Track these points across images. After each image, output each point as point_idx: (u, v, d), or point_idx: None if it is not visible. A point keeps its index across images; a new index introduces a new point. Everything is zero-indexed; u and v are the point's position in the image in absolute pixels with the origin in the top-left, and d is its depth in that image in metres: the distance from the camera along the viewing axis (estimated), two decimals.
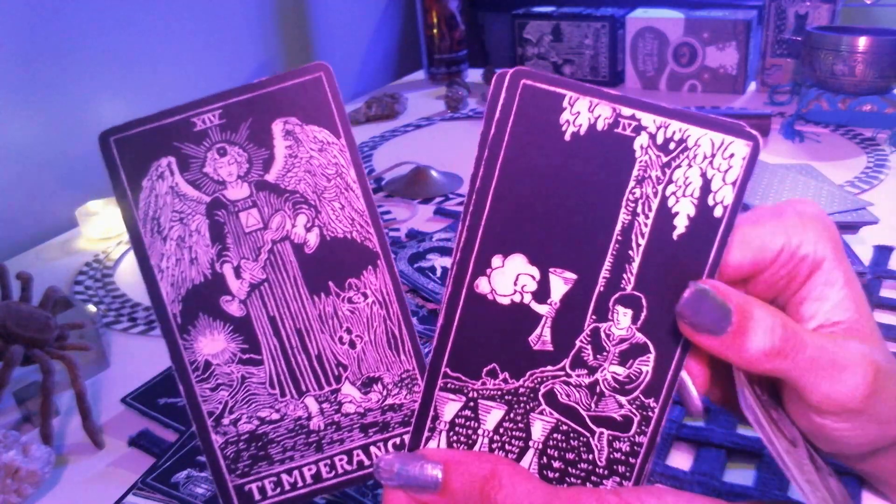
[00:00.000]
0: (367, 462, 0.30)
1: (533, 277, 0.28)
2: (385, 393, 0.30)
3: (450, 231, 0.81)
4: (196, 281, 0.29)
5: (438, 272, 0.72)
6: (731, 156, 0.27)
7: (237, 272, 0.30)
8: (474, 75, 1.42)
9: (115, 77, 0.98)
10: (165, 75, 1.04)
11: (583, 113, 0.27)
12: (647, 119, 0.27)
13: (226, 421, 0.30)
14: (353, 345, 0.30)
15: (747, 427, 0.51)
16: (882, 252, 0.73)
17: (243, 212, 0.30)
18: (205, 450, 0.30)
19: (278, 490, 0.30)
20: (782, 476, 0.46)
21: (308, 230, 0.30)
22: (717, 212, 0.27)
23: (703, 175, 0.27)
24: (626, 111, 0.27)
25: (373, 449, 0.30)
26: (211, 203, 0.30)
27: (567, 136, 0.27)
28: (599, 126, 0.27)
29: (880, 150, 0.98)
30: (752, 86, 1.25)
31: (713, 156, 0.27)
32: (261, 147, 0.29)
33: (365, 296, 0.30)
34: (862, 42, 0.97)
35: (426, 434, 0.29)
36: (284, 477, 0.30)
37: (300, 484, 0.30)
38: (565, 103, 0.27)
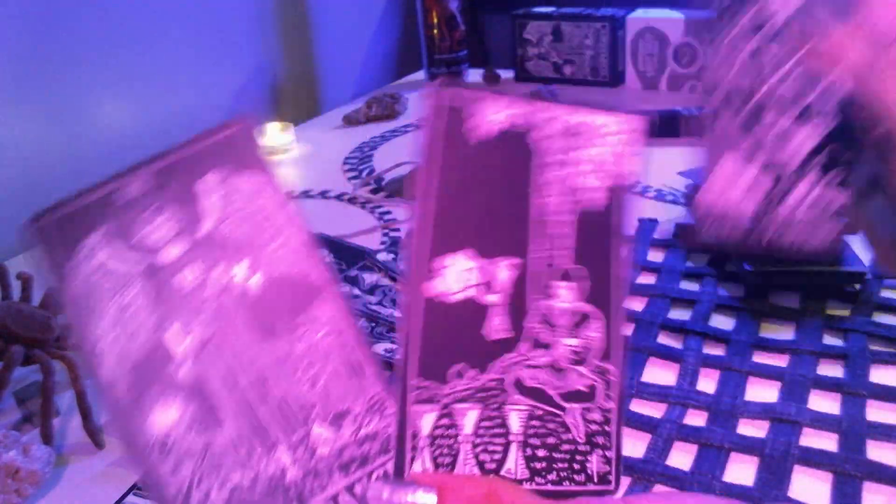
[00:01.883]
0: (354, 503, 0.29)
1: (478, 270, 0.30)
2: (357, 424, 0.29)
3: None
4: (140, 353, 0.28)
5: None
6: (624, 132, 0.31)
7: (181, 335, 0.28)
8: (474, 76, 1.42)
9: (115, 77, 0.98)
10: (166, 75, 1.04)
11: (481, 120, 0.30)
12: (538, 115, 0.30)
13: (195, 498, 0.27)
14: (314, 382, 0.29)
15: (748, 427, 0.51)
16: None
17: (179, 272, 0.28)
18: None
19: None
20: (782, 476, 0.46)
21: (248, 277, 0.29)
22: (628, 179, 0.31)
23: (605, 152, 0.31)
24: (518, 111, 0.31)
25: (357, 487, 0.29)
26: (145, 271, 0.28)
27: (473, 142, 0.30)
28: (495, 129, 0.30)
29: None
30: None
31: (608, 135, 0.31)
32: (190, 206, 0.29)
33: (317, 330, 0.29)
34: None
35: (409, 455, 0.29)
36: None
37: None
38: (465, 114, 0.30)
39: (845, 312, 0.63)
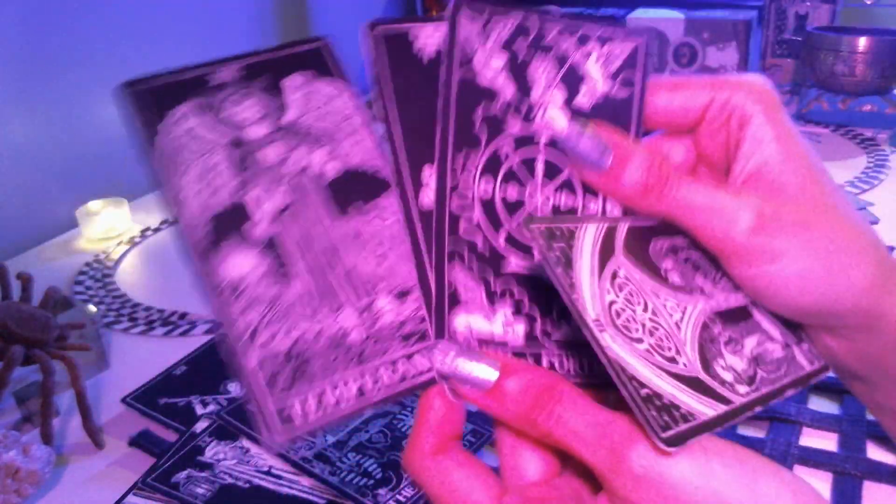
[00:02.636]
0: (412, 372, 0.30)
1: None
2: (419, 303, 0.30)
3: None
4: (219, 208, 0.30)
5: None
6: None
7: (260, 201, 0.30)
8: None
9: (115, 77, 0.97)
10: None
11: (426, 40, 0.31)
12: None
13: (261, 339, 0.29)
14: (383, 258, 0.30)
15: (748, 427, 0.51)
16: None
17: (263, 148, 0.31)
18: (240, 372, 0.29)
19: (321, 410, 0.29)
20: None
21: (325, 163, 0.31)
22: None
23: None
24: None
25: (416, 357, 0.30)
26: (231, 141, 0.30)
27: (424, 62, 0.31)
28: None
29: (880, 150, 0.98)
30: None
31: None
32: (275, 97, 0.31)
33: (385, 217, 0.31)
34: (862, 42, 0.97)
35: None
36: (327, 395, 0.29)
37: (343, 401, 0.29)
38: (411, 37, 0.31)
39: None
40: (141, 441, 0.53)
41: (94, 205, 0.89)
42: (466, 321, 0.30)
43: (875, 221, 0.70)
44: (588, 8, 1.32)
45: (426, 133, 0.31)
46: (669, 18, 1.22)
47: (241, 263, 0.29)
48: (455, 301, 0.30)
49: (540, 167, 0.31)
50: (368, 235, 0.31)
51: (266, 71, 0.31)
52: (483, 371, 0.27)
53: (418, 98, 0.31)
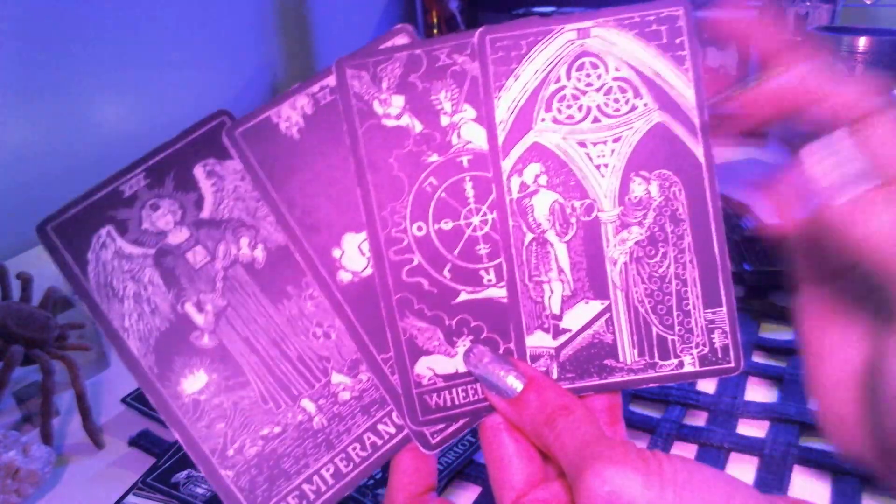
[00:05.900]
0: (379, 442, 0.31)
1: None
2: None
3: None
4: (162, 328, 0.30)
5: None
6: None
7: (199, 307, 0.31)
8: None
9: (115, 77, 0.98)
10: (166, 76, 1.04)
11: (290, 114, 0.31)
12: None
13: (230, 452, 0.30)
14: (327, 336, 0.31)
15: (747, 427, 0.51)
16: None
17: (189, 251, 0.31)
18: (218, 489, 0.30)
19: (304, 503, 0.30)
20: (782, 476, 0.46)
21: (253, 248, 0.31)
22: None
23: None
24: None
25: (380, 426, 0.31)
26: (157, 253, 0.31)
27: (297, 137, 0.31)
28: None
29: None
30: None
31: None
32: (189, 192, 0.31)
33: (318, 294, 0.31)
34: (862, 42, 0.98)
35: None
36: (306, 487, 0.30)
37: (323, 488, 0.30)
38: (274, 120, 0.31)
39: None
40: (141, 441, 0.53)
41: None
42: (428, 365, 0.31)
43: None
44: (588, 8, 1.32)
45: (330, 208, 0.31)
46: None
47: (195, 381, 0.30)
48: (414, 349, 0.30)
49: (469, 189, 0.31)
50: (309, 315, 0.31)
51: (172, 166, 0.31)
52: (510, 381, 0.29)
53: (306, 175, 0.31)
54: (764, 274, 0.64)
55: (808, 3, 1.15)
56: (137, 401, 0.58)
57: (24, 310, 0.58)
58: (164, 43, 1.04)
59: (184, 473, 0.49)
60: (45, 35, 0.90)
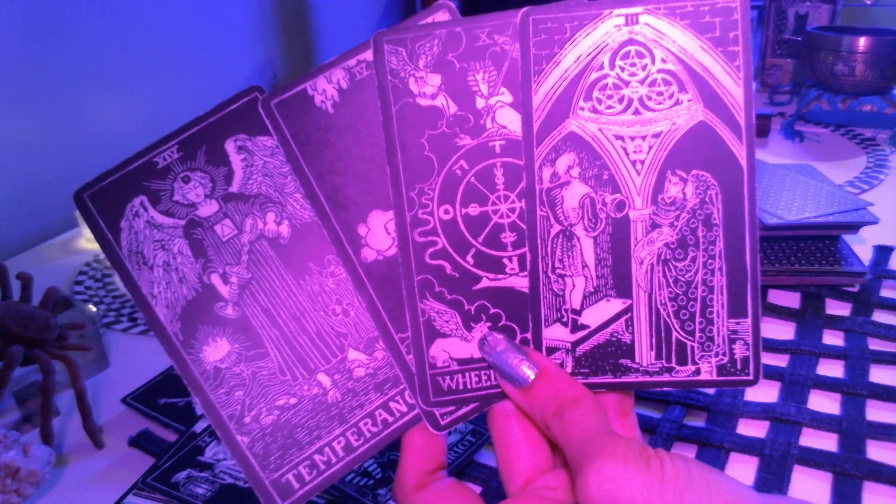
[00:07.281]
0: (390, 419, 0.31)
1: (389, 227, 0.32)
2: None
3: None
4: (188, 297, 0.31)
5: None
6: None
7: (224, 279, 0.32)
8: None
9: (114, 78, 0.98)
10: (166, 76, 1.04)
11: (326, 87, 0.31)
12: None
13: (247, 419, 0.31)
14: (346, 313, 0.32)
15: (747, 427, 0.51)
16: (882, 252, 0.73)
17: (217, 224, 0.32)
18: (233, 454, 0.31)
19: (314, 473, 0.31)
20: (782, 476, 0.46)
21: (278, 224, 0.32)
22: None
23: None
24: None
25: (392, 404, 0.31)
26: (186, 225, 0.32)
27: (331, 111, 0.31)
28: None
29: (880, 150, 0.98)
30: (753, 86, 1.25)
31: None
32: (219, 166, 0.32)
33: (341, 272, 0.32)
34: (862, 42, 0.98)
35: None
36: (317, 457, 0.31)
37: (334, 460, 0.31)
38: (309, 92, 0.31)
39: (845, 312, 0.63)
40: (141, 441, 0.53)
41: None
42: (443, 348, 0.31)
43: (875, 222, 0.70)
44: None
45: (359, 184, 0.31)
46: None
47: (217, 349, 0.31)
48: (432, 331, 0.31)
49: (499, 175, 0.30)
50: (329, 292, 0.32)
51: (205, 140, 0.32)
52: (523, 370, 0.29)
53: (337, 150, 0.31)
54: (764, 274, 0.64)
55: (807, 3, 1.15)
56: (137, 401, 0.58)
57: (24, 310, 0.58)
58: (165, 43, 1.04)
59: (184, 473, 0.49)
60: (46, 36, 0.90)
